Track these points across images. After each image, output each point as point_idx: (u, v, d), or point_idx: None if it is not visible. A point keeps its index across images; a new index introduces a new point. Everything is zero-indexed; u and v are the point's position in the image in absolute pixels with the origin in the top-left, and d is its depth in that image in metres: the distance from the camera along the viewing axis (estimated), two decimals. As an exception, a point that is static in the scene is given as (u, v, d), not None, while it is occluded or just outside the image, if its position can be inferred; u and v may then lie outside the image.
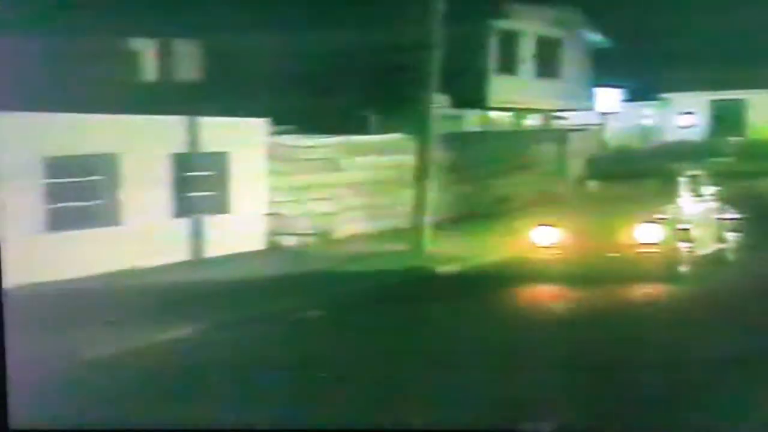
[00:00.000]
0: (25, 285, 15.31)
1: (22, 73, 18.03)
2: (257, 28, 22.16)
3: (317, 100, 23.51)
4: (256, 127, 21.30)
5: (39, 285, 15.01)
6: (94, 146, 18.26)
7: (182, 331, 13.19)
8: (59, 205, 17.59)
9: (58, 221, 17.50)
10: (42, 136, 17.17)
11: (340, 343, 12.71)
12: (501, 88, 30.46)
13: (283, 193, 21.59)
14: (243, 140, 20.95)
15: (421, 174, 21.07)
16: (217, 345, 12.76)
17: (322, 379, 10.67)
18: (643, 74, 35.32)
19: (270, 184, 21.41)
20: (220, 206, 20.51)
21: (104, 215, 18.44)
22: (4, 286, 7.10)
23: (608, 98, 35.99)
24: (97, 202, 18.43)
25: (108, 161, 18.49)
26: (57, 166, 17.56)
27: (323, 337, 13.25)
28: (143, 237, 18.44)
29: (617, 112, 36.60)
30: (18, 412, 6.56)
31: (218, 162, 20.50)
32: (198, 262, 19.35)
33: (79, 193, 18.07)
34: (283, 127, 21.88)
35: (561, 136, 29.29)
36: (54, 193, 17.52)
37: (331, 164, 22.89)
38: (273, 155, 21.49)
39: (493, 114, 31.39)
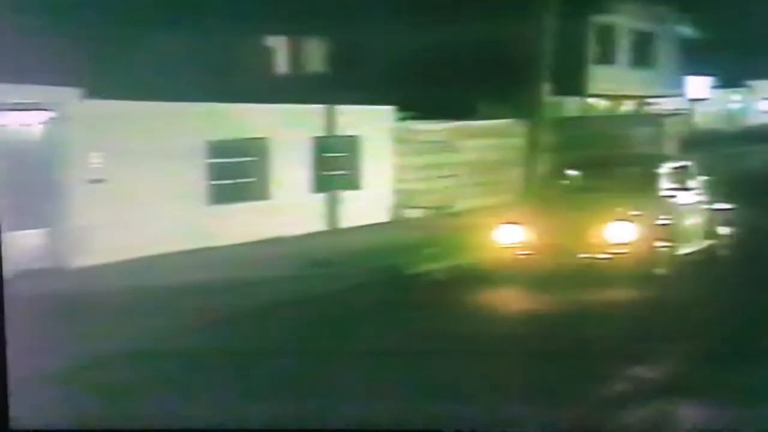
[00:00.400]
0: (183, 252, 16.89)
1: (189, 69, 19.49)
2: (385, 28, 23.12)
3: (436, 89, 24.30)
4: (384, 114, 22.22)
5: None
6: (249, 131, 19.23)
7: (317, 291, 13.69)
8: (219, 181, 18.63)
9: (218, 195, 18.59)
10: (206, 122, 18.25)
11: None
12: (599, 77, 31.03)
13: (407, 171, 22.45)
14: (372, 125, 21.84)
15: (529, 154, 21.95)
16: (355, 303, 13.25)
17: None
18: (730, 63, 35.56)
19: (395, 164, 22.34)
20: (352, 183, 21.43)
21: (256, 191, 19.49)
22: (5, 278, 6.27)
23: (697, 85, 36.26)
24: (251, 179, 19.44)
25: (260, 144, 19.49)
26: (218, 148, 18.60)
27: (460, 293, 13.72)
28: (288, 210, 19.37)
29: (706, 98, 36.84)
30: (19, 412, 6.00)
31: (351, 144, 21.44)
32: (334, 231, 20.33)
33: (236, 171, 19.08)
34: (406, 114, 22.68)
35: (655, 120, 29.66)
36: (215, 171, 18.57)
37: (449, 146, 23.71)
38: (398, 138, 22.40)
39: (591, 100, 31.85)
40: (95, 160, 16.20)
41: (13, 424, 5.84)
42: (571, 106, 29.61)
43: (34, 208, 15.40)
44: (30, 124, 15.60)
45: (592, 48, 30.75)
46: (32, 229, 15.40)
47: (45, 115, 15.70)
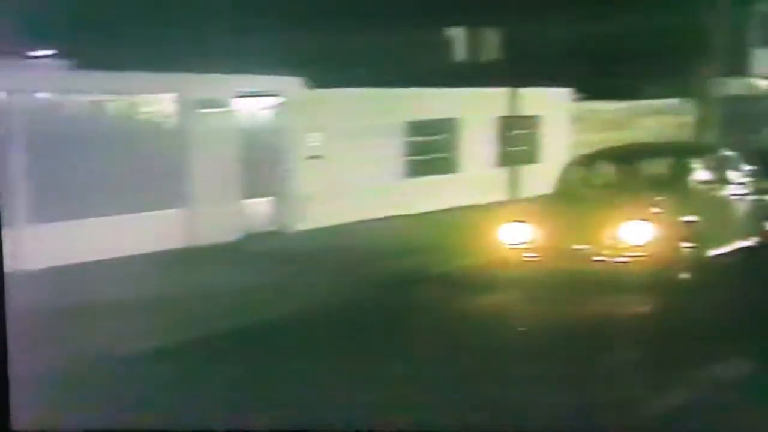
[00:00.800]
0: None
1: (391, 58, 20.87)
2: (563, 17, 23.83)
3: (611, 71, 24.95)
4: (562, 95, 23.33)
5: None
6: (442, 112, 20.66)
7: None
8: (415, 157, 20.21)
9: (414, 169, 20.15)
10: (405, 105, 19.76)
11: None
12: (761, 60, 31.09)
13: (582, 148, 23.22)
14: (551, 106, 22.98)
15: (697, 132, 22.51)
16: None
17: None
18: None
19: (571, 141, 23.13)
20: (532, 158, 22.42)
21: (447, 165, 20.93)
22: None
23: None
24: (442, 155, 20.89)
25: (451, 123, 20.91)
26: (414, 128, 20.11)
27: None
28: (475, 182, 20.67)
29: None
30: (19, 412, 5.53)
31: (532, 123, 22.48)
32: (514, 201, 21.54)
33: (429, 148, 20.53)
34: (583, 95, 23.67)
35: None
36: (412, 148, 20.13)
37: (622, 125, 24.43)
38: (574, 117, 23.41)
39: (756, 81, 31.87)
40: (313, 139, 17.89)
41: (14, 424, 5.41)
42: (736, 86, 29.76)
43: (263, 179, 17.20)
44: (261, 109, 17.38)
45: (756, 31, 30.82)
46: (261, 197, 17.24)
47: (274, 101, 17.46)
